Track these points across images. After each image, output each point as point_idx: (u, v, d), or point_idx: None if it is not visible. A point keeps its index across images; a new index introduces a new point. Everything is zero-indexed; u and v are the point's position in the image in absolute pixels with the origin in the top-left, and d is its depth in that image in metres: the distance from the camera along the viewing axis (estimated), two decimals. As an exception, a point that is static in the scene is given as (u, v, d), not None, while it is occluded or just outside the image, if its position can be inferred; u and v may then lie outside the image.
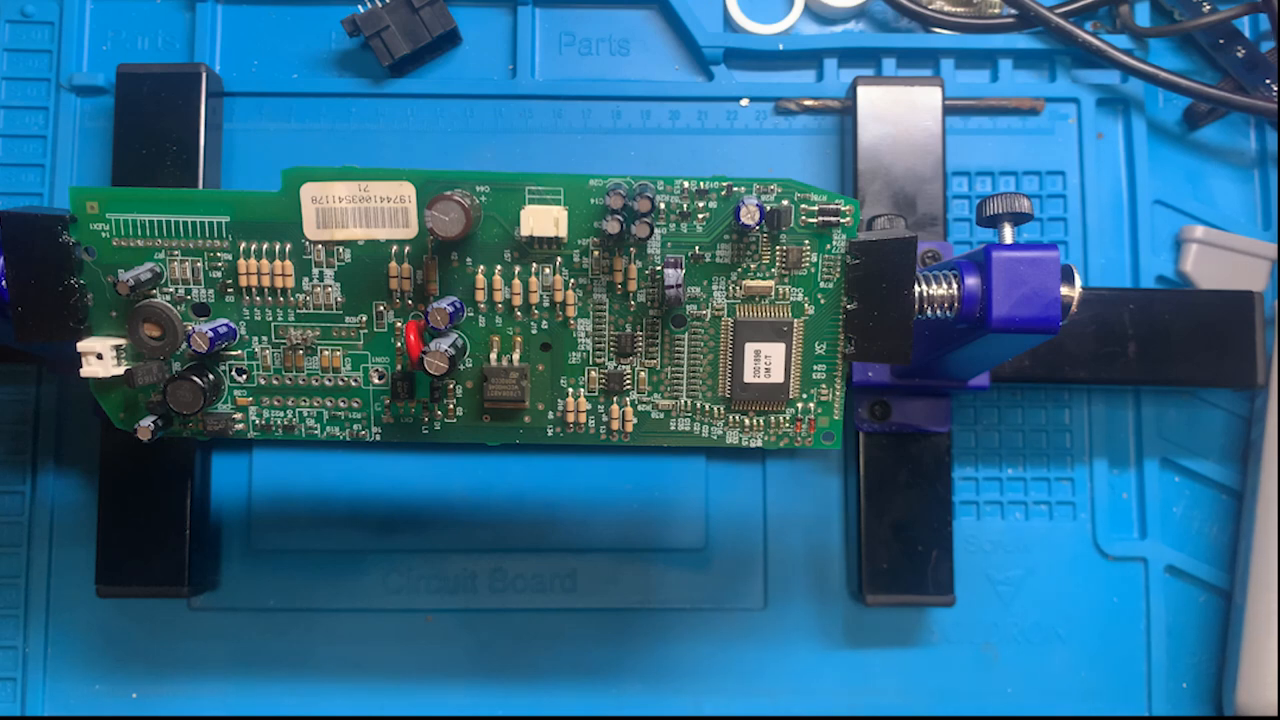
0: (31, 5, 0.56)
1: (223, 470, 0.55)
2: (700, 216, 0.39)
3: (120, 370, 0.40)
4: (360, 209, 0.39)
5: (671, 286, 0.38)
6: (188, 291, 0.40)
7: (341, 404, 0.42)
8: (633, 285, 0.40)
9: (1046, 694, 0.55)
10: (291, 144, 0.56)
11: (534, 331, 0.41)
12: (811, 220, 0.39)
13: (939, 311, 0.41)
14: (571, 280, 0.40)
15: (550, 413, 0.42)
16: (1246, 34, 0.57)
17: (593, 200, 0.39)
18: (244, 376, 0.41)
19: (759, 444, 0.42)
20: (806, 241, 0.40)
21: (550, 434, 0.42)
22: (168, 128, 0.52)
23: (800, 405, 0.41)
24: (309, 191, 0.39)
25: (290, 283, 0.40)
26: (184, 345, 0.40)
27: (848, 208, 0.39)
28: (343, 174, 0.39)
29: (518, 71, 0.57)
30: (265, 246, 0.40)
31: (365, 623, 0.55)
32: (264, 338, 0.41)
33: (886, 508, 0.53)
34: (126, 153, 0.52)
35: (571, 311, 0.40)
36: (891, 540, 0.53)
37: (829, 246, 0.40)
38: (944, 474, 0.53)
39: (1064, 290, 0.41)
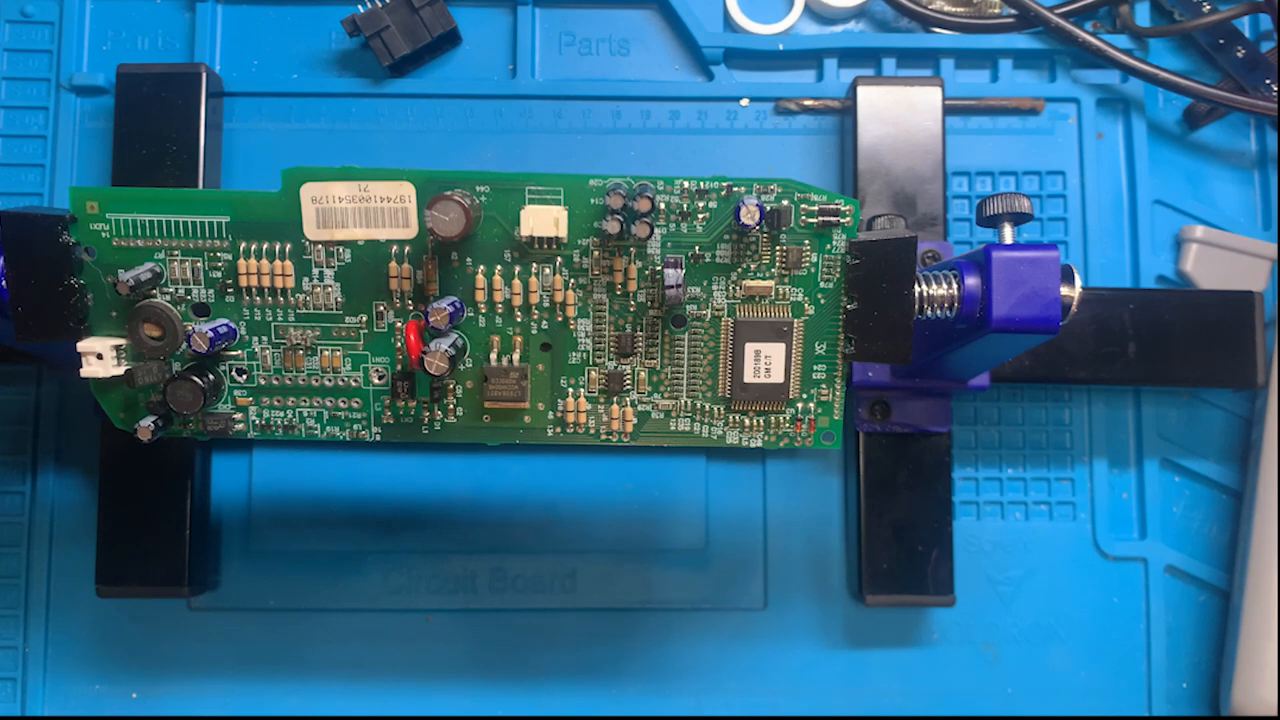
0: (31, 5, 0.56)
1: (223, 470, 0.55)
2: (700, 216, 0.39)
3: (120, 370, 0.40)
4: (360, 209, 0.39)
5: (671, 286, 0.38)
6: (188, 291, 0.40)
7: (341, 404, 0.42)
8: (633, 285, 0.40)
9: (1046, 694, 0.55)
10: (291, 144, 0.56)
11: (534, 331, 0.41)
12: (811, 220, 0.39)
13: (939, 311, 0.41)
14: (571, 280, 0.40)
15: (550, 413, 0.42)
16: (1246, 34, 0.57)
17: (593, 200, 0.39)
18: (244, 376, 0.41)
19: (759, 444, 0.42)
20: (806, 241, 0.40)
21: (550, 434, 0.42)
22: (168, 128, 0.52)
23: (800, 405, 0.41)
24: (309, 191, 0.39)
25: (290, 283, 0.40)
26: (184, 345, 0.40)
27: (848, 208, 0.39)
28: (343, 174, 0.39)
29: (518, 71, 0.57)
30: (265, 246, 0.40)
31: (365, 623, 0.55)
32: (264, 338, 0.41)
33: (886, 508, 0.53)
34: (126, 153, 0.52)
35: (571, 311, 0.40)
36: (891, 540, 0.53)
37: (829, 246, 0.40)
38: (944, 474, 0.53)
39: (1064, 290, 0.41)
